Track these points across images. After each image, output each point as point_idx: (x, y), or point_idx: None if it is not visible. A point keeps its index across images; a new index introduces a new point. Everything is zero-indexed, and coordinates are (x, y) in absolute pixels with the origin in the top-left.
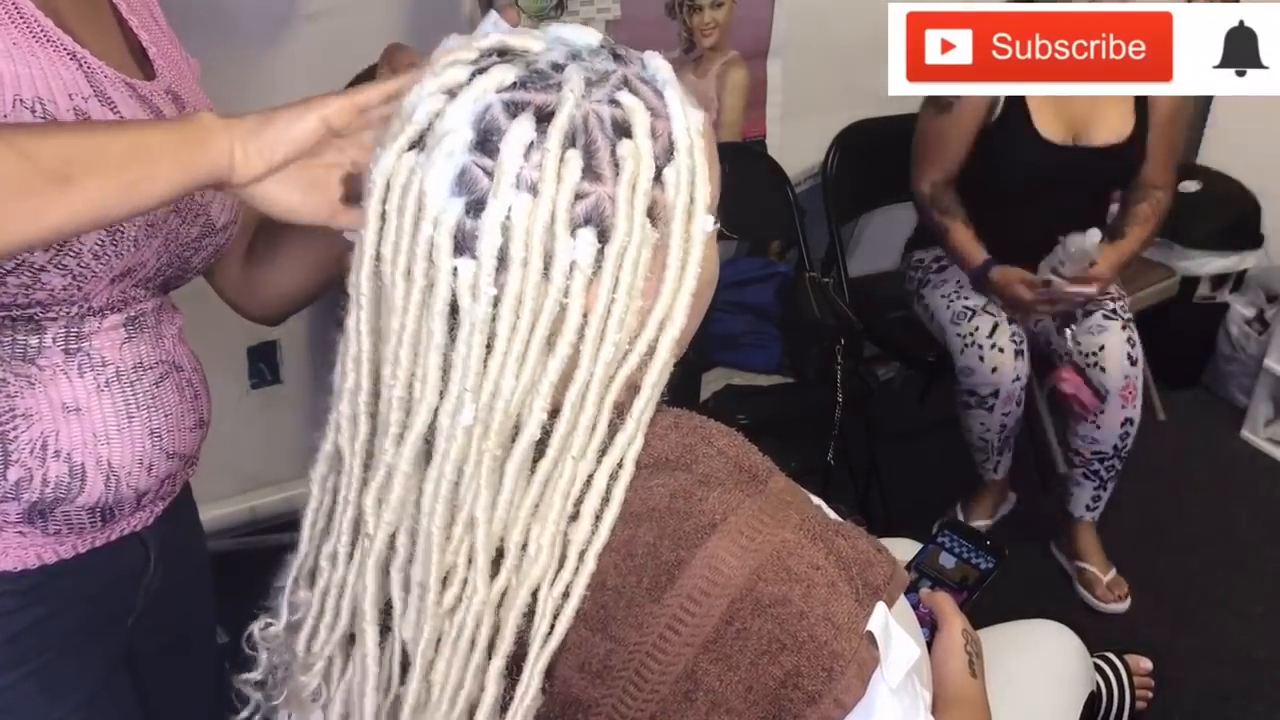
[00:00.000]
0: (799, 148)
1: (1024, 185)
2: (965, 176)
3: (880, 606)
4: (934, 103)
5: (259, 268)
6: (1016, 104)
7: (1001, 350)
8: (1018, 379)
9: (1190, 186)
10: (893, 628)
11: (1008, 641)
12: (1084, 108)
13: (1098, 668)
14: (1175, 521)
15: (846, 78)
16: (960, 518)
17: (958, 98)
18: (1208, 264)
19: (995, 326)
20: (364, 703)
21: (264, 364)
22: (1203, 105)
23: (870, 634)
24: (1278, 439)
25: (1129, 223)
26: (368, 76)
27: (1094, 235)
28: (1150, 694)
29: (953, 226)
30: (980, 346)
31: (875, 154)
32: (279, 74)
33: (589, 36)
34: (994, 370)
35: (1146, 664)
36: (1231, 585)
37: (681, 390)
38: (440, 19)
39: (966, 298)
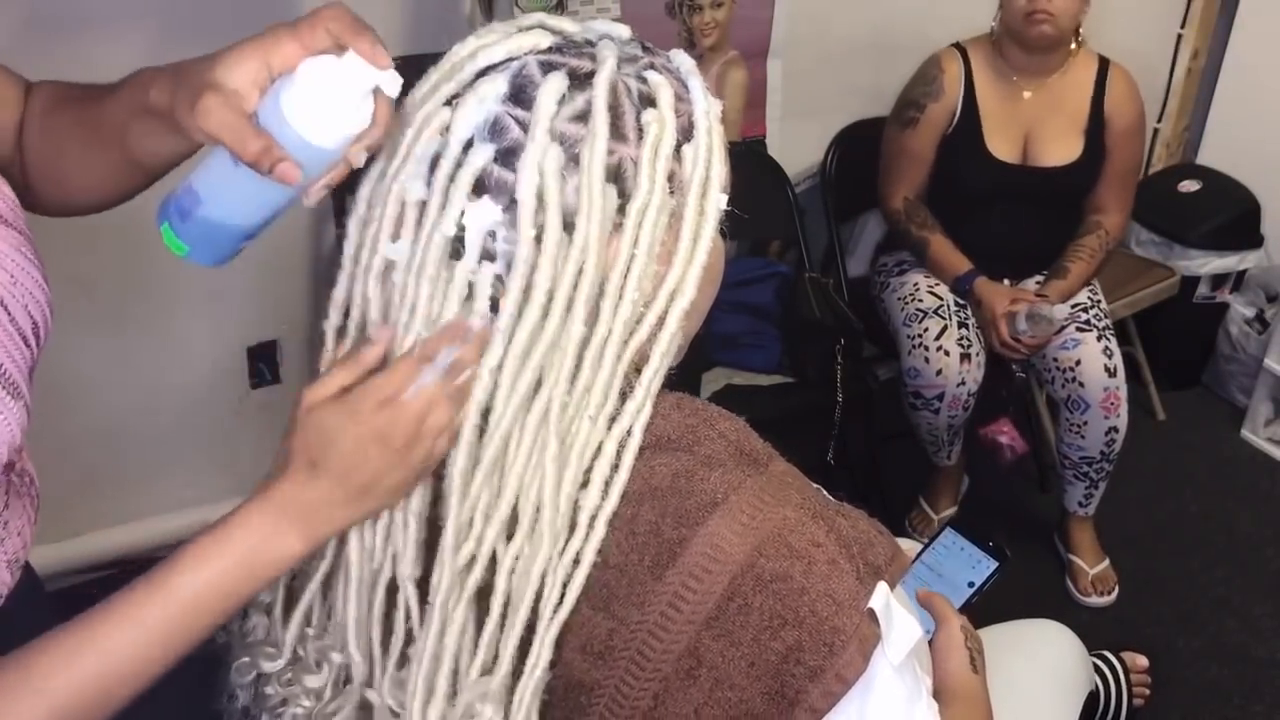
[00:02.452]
0: (799, 148)
1: (977, 199)
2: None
3: (881, 586)
4: (898, 119)
5: (38, 169)
6: (970, 121)
7: (947, 353)
8: (963, 383)
9: (1190, 186)
10: (894, 607)
11: (1008, 641)
12: (1033, 129)
13: (1095, 666)
14: (1175, 521)
15: (846, 78)
16: (927, 510)
17: (921, 112)
18: (1208, 264)
19: (944, 329)
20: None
21: (264, 364)
22: (1203, 105)
23: (871, 611)
24: (1278, 439)
25: (1071, 257)
26: None
27: (1060, 310)
28: (1147, 691)
29: (932, 239)
30: (926, 348)
31: (875, 154)
32: None
33: (621, 29)
34: (939, 373)
35: (1143, 661)
36: (1231, 585)
37: (682, 390)
38: (440, 19)
39: (920, 300)
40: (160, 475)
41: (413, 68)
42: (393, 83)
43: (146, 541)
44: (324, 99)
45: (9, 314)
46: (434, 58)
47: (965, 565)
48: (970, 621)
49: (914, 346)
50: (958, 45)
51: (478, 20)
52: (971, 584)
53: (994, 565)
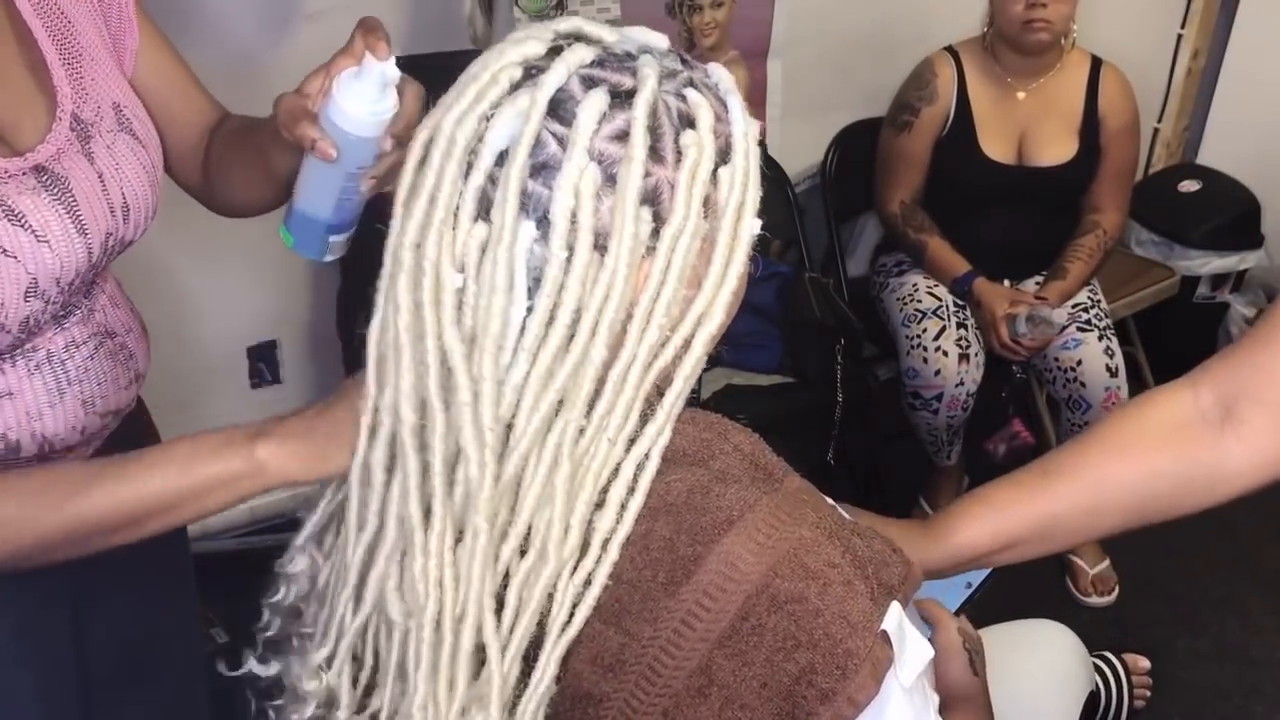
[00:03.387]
0: (799, 148)
1: (973, 201)
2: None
3: (895, 606)
4: (892, 123)
5: (216, 178)
6: (964, 123)
7: (945, 354)
8: (961, 383)
9: (1190, 186)
10: (907, 627)
11: (1008, 641)
12: (1027, 130)
13: (1096, 667)
14: (1175, 521)
15: (846, 78)
16: (927, 511)
17: (915, 116)
18: (1208, 264)
19: (942, 330)
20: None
21: (264, 364)
22: (1203, 105)
23: (884, 633)
24: None
25: (1070, 258)
26: None
27: (1060, 313)
28: (1148, 693)
29: (930, 242)
30: (925, 349)
31: (874, 154)
32: (279, 74)
33: (659, 39)
34: (937, 373)
35: (1144, 663)
36: (1231, 585)
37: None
38: (440, 19)
39: (920, 301)
40: None
41: (412, 68)
42: (389, 70)
43: None
44: (346, 92)
45: (104, 186)
46: (434, 58)
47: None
48: (970, 622)
49: (913, 347)
50: (949, 48)
51: (477, 20)
52: (969, 584)
53: (989, 569)
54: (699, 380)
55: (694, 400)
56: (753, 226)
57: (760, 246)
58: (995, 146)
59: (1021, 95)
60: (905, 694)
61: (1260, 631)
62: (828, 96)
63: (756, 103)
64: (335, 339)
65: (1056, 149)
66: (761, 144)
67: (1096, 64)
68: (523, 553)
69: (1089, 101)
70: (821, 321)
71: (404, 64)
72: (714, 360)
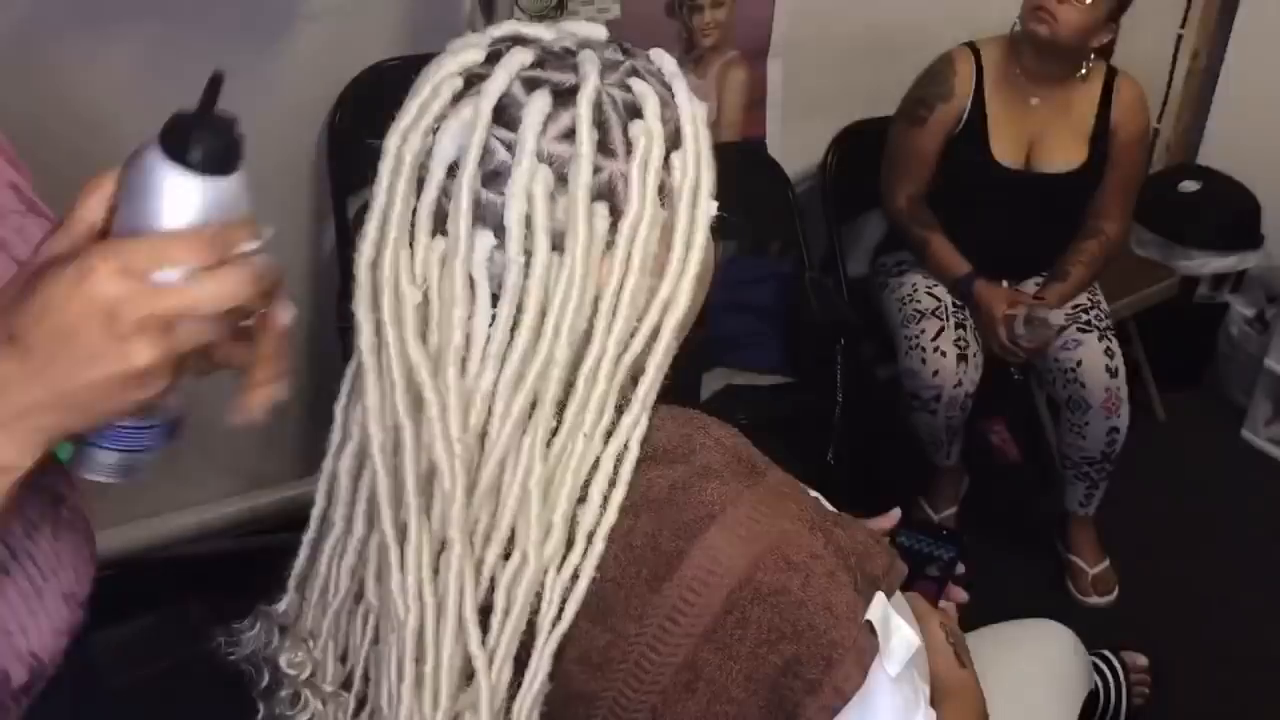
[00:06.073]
0: (799, 148)
1: (977, 201)
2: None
3: (879, 596)
4: (906, 116)
5: None
6: (977, 123)
7: (944, 354)
8: (959, 384)
9: (1190, 186)
10: (892, 617)
11: (1007, 641)
12: (1038, 136)
13: (1095, 666)
14: (1175, 521)
15: (846, 78)
16: (928, 511)
17: (930, 111)
18: (1208, 264)
19: (941, 330)
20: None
21: None
22: (1203, 105)
23: (869, 623)
24: (1278, 439)
25: (1072, 261)
26: (367, 78)
27: (1058, 315)
28: (1147, 690)
29: (932, 239)
30: (923, 349)
31: (874, 154)
32: (279, 74)
33: (597, 31)
34: (935, 374)
35: (1142, 660)
36: (1231, 585)
37: (682, 390)
38: (440, 19)
39: (919, 301)
40: (160, 475)
41: (413, 68)
42: None
43: (146, 542)
44: None
45: None
46: (433, 58)
47: (925, 560)
48: (969, 620)
49: (911, 348)
50: (970, 44)
51: (478, 20)
52: (934, 575)
53: (953, 550)
54: (699, 380)
55: (694, 400)
56: (710, 208)
57: (760, 247)
58: (1005, 149)
59: (1035, 101)
60: (893, 683)
61: (1260, 631)
62: (828, 96)
63: (756, 103)
64: (335, 339)
65: (1066, 156)
66: (761, 144)
67: (1111, 74)
68: (507, 556)
69: (1101, 110)
70: (821, 321)
71: (404, 64)
72: (713, 360)
